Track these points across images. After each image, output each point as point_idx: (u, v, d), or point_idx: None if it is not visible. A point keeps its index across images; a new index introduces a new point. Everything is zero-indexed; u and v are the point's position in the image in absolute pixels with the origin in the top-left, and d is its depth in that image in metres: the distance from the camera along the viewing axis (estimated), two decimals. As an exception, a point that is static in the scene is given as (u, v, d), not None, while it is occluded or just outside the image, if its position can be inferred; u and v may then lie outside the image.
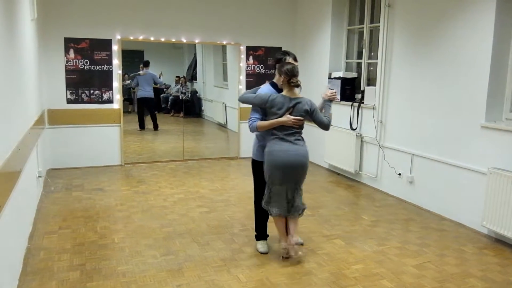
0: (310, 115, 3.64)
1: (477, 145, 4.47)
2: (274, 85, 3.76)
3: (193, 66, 9.35)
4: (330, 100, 3.75)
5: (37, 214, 4.64)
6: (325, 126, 3.70)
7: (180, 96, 8.93)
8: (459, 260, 3.80)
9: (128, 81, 7.83)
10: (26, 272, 3.37)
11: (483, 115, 4.38)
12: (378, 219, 4.81)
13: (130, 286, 3.21)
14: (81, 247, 3.87)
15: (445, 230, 4.52)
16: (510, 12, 4.26)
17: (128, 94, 7.98)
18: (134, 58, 7.92)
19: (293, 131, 3.60)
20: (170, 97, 8.97)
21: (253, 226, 4.00)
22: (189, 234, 4.22)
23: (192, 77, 9.35)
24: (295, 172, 3.60)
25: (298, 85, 3.60)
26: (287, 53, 3.79)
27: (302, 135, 3.69)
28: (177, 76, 8.92)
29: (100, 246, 3.90)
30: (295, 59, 3.76)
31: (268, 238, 4.00)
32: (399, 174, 5.50)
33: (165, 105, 9.07)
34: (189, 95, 9.08)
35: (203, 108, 9.48)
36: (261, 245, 3.89)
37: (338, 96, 3.72)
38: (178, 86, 8.87)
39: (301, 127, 3.64)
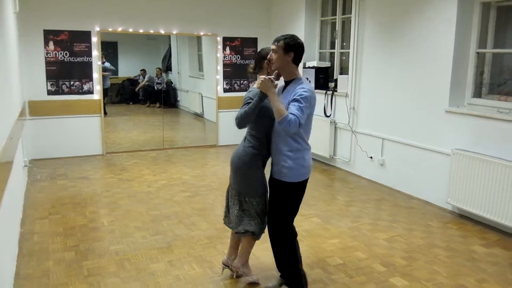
0: None
1: (441, 128, 4.83)
2: None
3: (168, 57, 9.47)
4: (261, 92, 2.75)
5: (25, 201, 4.77)
6: None
7: (155, 87, 9.06)
8: (426, 234, 4.15)
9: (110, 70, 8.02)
10: (23, 254, 3.55)
11: (447, 101, 4.74)
12: (352, 199, 5.13)
13: (124, 263, 3.43)
14: (72, 230, 4.05)
15: (414, 207, 4.88)
16: (471, 6, 4.60)
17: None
18: (108, 50, 8.00)
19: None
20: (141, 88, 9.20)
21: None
22: (175, 216, 4.44)
23: (167, 67, 9.47)
24: (231, 171, 3.11)
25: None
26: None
27: (253, 135, 2.97)
28: (141, 70, 9.05)
29: (91, 229, 4.09)
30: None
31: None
32: (371, 157, 5.85)
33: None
34: (165, 85, 9.21)
35: (178, 98, 9.62)
36: None
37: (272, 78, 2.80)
38: (152, 77, 9.03)
39: (252, 127, 2.97)
